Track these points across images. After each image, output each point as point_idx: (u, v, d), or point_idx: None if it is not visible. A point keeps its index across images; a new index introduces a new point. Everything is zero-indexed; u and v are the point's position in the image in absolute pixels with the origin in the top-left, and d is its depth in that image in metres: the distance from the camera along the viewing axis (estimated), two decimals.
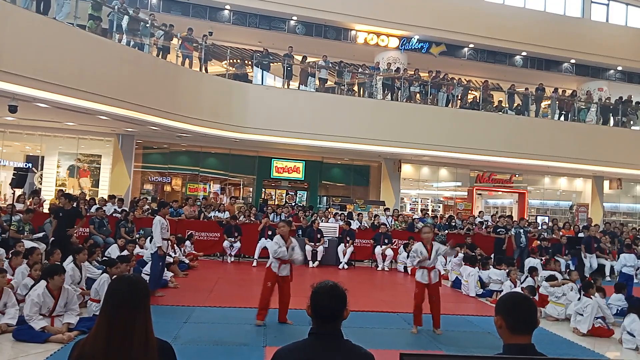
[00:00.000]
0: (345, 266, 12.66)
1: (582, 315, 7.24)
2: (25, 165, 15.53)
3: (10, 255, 7.24)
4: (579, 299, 7.48)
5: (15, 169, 10.57)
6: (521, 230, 13.61)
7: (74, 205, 9.71)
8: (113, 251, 9.42)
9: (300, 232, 13.03)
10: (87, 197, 13.87)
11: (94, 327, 1.96)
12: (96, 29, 11.68)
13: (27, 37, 9.64)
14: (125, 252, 8.73)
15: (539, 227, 15.50)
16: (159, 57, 13.52)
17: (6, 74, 9.17)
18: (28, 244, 8.23)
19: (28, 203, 12.01)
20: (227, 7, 16.43)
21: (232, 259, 12.53)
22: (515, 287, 8.93)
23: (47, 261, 7.20)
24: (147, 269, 8.52)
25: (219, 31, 16.29)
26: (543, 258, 11.78)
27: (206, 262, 12.17)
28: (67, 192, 12.93)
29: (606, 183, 20.62)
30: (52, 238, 9.11)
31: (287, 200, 18.53)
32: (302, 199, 18.96)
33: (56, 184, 16.07)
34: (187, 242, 11.75)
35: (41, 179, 16.11)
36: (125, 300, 1.95)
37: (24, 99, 10.13)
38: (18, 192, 11.17)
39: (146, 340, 1.94)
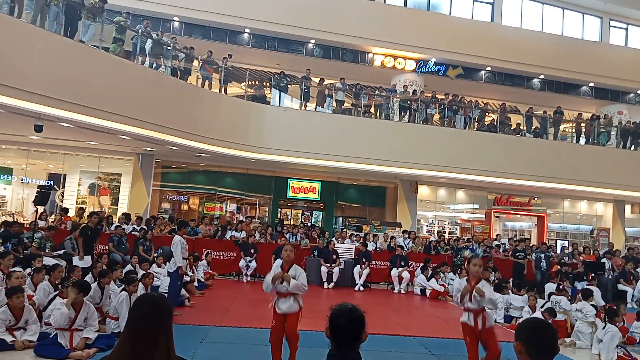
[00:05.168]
0: (361, 288, 12.56)
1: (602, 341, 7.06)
2: (48, 183, 15.86)
3: (32, 272, 7.35)
4: (604, 327, 7.28)
5: (39, 186, 10.82)
6: (542, 255, 13.41)
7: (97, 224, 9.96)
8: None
9: (316, 253, 13.02)
10: (106, 215, 14.10)
11: (118, 344, 2.00)
12: (119, 52, 12.02)
13: (54, 59, 9.95)
14: (141, 272, 8.82)
15: (558, 252, 15.25)
16: (179, 79, 13.82)
17: (33, 94, 9.45)
18: (50, 261, 8.35)
19: (50, 220, 12.24)
20: (247, 30, 16.79)
21: (248, 279, 12.55)
22: (533, 312, 8.74)
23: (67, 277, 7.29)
24: (164, 287, 8.58)
25: (238, 54, 16.60)
26: (562, 283, 11.52)
27: (222, 281, 12.20)
28: (95, 210, 13.23)
29: (628, 207, 20.22)
30: (87, 255, 9.34)
31: (302, 221, 18.55)
32: (318, 219, 18.95)
33: (77, 201, 16.38)
34: (204, 262, 11.81)
35: (62, 196, 16.43)
36: (149, 319, 2.00)
37: (49, 118, 10.42)
38: (40, 209, 11.40)
39: (167, 358, 1.97)
